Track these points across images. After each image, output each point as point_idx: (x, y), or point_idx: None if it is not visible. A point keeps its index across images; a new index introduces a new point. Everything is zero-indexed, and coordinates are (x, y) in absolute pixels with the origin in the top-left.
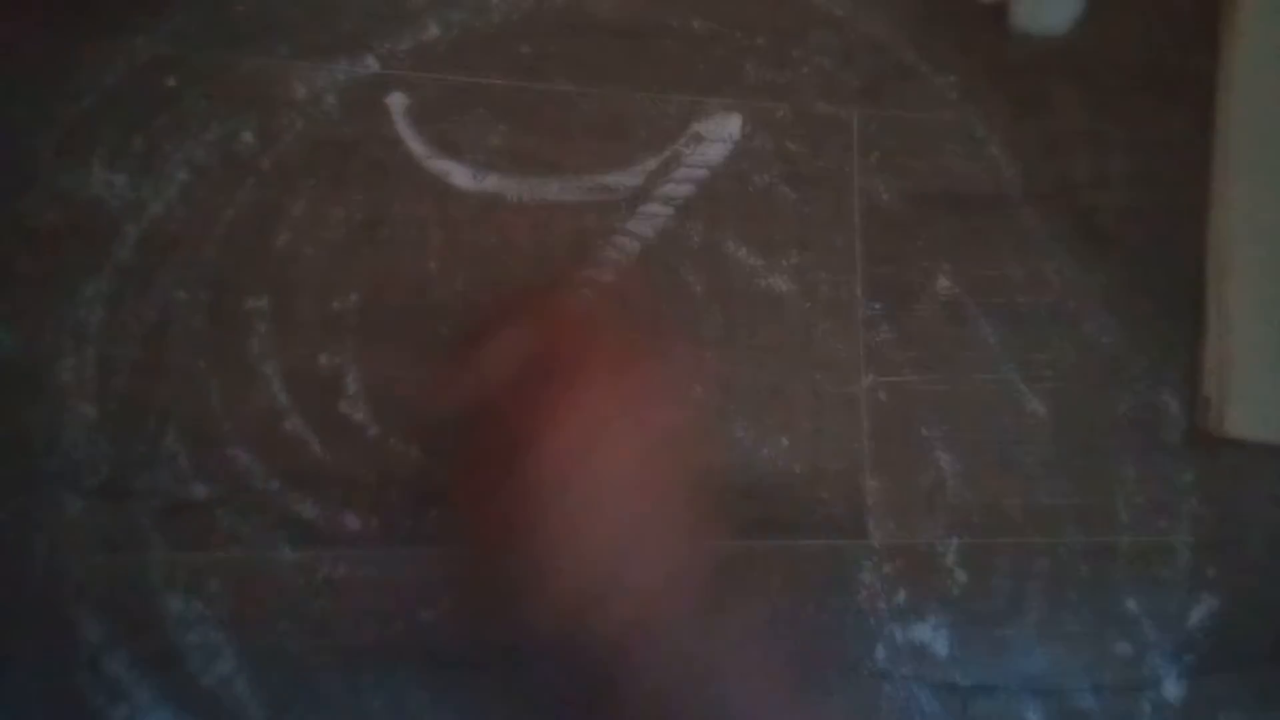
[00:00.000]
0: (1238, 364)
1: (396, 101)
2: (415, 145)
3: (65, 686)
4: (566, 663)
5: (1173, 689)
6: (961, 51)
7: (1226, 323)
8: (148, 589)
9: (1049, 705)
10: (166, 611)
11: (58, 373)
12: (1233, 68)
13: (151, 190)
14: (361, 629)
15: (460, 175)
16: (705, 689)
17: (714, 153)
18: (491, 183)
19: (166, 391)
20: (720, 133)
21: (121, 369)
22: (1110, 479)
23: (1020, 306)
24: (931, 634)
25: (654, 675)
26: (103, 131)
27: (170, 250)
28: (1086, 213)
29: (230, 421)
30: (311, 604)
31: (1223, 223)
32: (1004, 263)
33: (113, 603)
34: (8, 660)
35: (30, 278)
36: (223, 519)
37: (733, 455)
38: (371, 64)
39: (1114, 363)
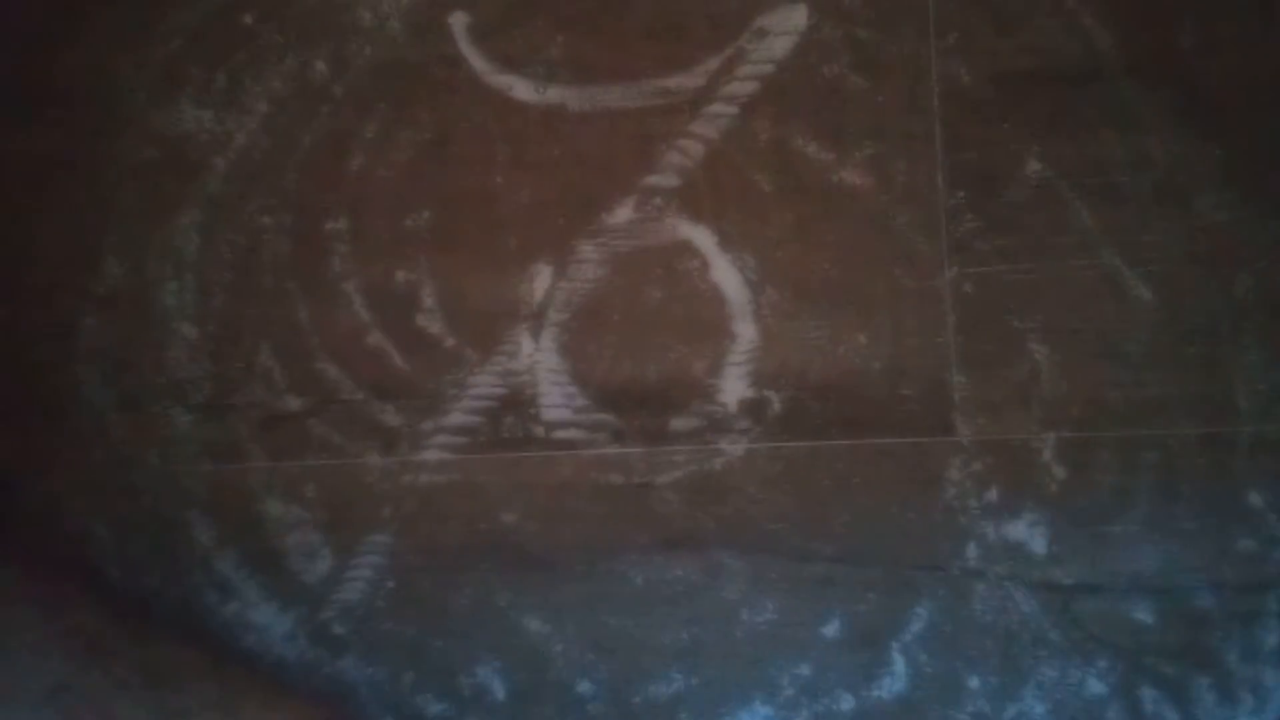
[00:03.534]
0: None
1: (458, 20)
2: (477, 62)
3: (183, 586)
4: None
5: None
6: None
7: None
8: (250, 495)
9: (1162, 605)
10: (267, 515)
11: (161, 297)
12: None
13: (236, 123)
14: (447, 530)
15: (522, 89)
16: None
17: (779, 46)
18: (553, 94)
19: (259, 311)
20: (785, 25)
21: (217, 292)
22: (1227, 366)
23: (1121, 186)
24: (1028, 532)
25: None
26: (189, 71)
27: (255, 179)
28: (1193, 81)
29: (318, 337)
30: (400, 507)
31: None
32: (1101, 141)
33: (220, 509)
34: (132, 563)
35: (132, 211)
36: (315, 429)
37: (805, 355)
38: None
39: (1231, 241)
